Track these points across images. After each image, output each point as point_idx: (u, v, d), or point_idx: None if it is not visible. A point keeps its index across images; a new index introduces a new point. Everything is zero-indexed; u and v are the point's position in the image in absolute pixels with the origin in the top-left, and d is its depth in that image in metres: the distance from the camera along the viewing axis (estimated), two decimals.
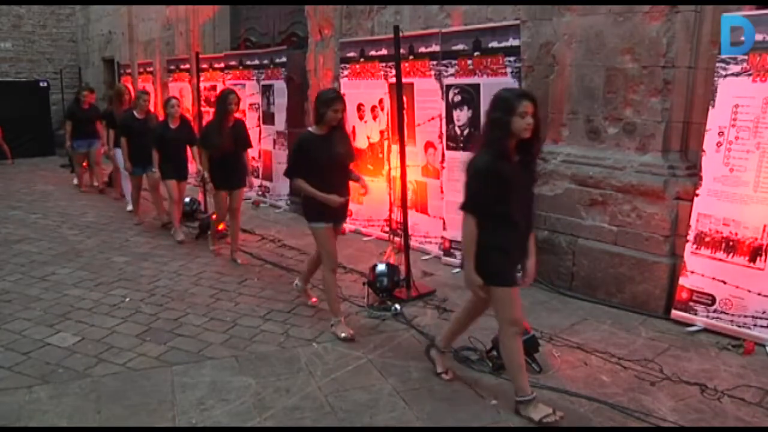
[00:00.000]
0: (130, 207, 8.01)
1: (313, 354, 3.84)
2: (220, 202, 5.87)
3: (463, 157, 5.42)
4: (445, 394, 3.35)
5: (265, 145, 8.24)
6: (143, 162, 6.95)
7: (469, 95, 5.30)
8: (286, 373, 3.59)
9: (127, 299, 4.80)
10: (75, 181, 10.20)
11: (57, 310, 4.57)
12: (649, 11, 4.48)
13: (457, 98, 5.40)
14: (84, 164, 9.84)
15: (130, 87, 10.49)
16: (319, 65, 7.63)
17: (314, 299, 4.71)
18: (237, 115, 5.93)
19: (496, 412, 3.17)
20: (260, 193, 8.49)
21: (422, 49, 5.72)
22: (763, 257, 3.95)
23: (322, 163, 3.99)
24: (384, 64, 6.11)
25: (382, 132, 6.36)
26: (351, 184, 4.24)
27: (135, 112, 7.19)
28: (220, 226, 6.58)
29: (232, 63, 8.86)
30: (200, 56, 8.58)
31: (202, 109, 8.26)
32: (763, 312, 3.92)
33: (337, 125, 4.06)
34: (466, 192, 3.05)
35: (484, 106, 5.20)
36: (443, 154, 5.61)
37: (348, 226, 6.72)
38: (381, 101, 6.29)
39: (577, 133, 5.05)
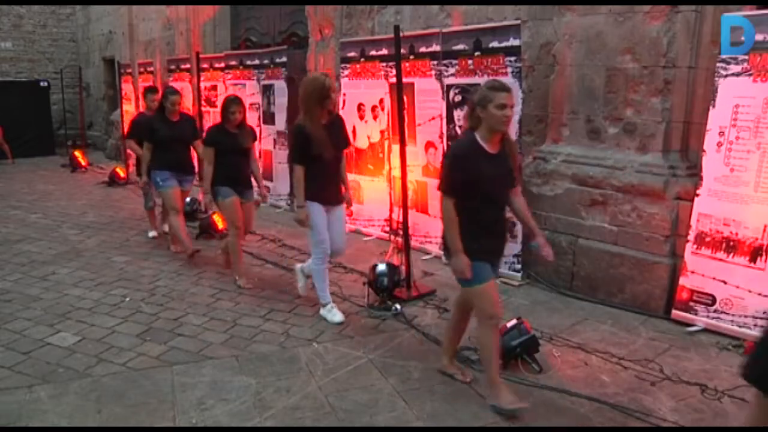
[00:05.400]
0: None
1: (314, 354, 3.84)
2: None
3: None
4: (445, 394, 3.35)
5: (266, 144, 8.24)
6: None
7: (470, 95, 5.29)
8: (286, 372, 3.59)
9: (128, 299, 4.80)
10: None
11: (57, 309, 4.57)
12: (650, 11, 4.48)
13: (458, 98, 5.40)
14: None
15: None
16: (319, 65, 7.63)
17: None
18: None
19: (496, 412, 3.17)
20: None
21: (423, 49, 5.72)
22: (763, 257, 3.95)
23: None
24: (384, 64, 6.10)
25: (382, 132, 6.35)
26: None
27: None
28: (220, 226, 6.59)
29: (233, 63, 8.85)
30: (201, 56, 8.60)
31: (203, 108, 8.24)
32: (764, 312, 3.92)
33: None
34: None
35: None
36: (444, 154, 5.60)
37: (348, 225, 6.72)
38: (381, 101, 6.28)
39: (578, 133, 5.05)
